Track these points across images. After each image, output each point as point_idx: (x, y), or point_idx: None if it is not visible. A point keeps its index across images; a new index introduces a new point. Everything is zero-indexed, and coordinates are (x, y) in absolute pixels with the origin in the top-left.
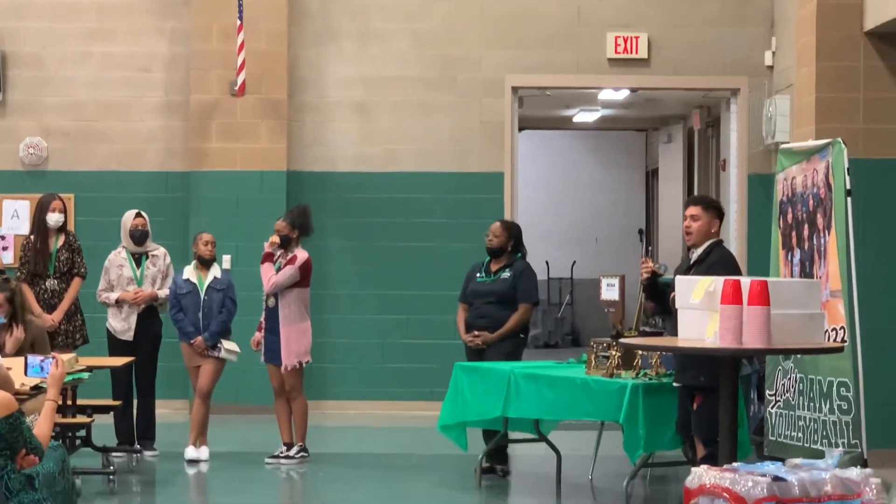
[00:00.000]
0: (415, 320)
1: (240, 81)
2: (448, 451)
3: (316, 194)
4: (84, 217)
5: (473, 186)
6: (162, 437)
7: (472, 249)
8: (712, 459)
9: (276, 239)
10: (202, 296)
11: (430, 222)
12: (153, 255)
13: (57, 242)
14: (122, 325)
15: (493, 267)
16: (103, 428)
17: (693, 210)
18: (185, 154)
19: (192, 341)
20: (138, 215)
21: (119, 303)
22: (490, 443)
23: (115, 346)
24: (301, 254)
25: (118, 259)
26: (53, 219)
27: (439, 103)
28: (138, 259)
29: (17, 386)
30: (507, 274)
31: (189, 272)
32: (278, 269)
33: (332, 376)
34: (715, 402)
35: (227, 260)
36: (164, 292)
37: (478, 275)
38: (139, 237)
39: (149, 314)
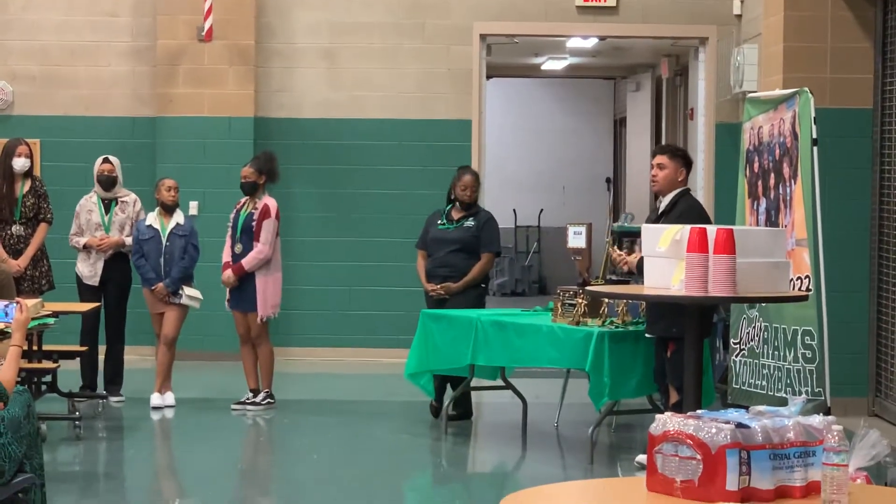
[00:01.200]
0: (381, 267)
1: (207, 27)
2: (414, 398)
3: (283, 140)
4: (50, 162)
5: (441, 134)
6: (128, 383)
7: (439, 196)
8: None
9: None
10: (164, 242)
11: (396, 169)
12: (122, 202)
13: (23, 188)
14: (90, 270)
15: (456, 215)
16: (69, 374)
17: (660, 159)
18: (152, 99)
19: (153, 287)
20: (105, 161)
21: (87, 248)
22: (455, 392)
23: (83, 290)
24: (271, 202)
25: (88, 204)
26: (19, 164)
27: (407, 50)
28: (108, 205)
29: None
30: (470, 223)
31: (152, 218)
32: (246, 218)
33: (298, 323)
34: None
35: (193, 206)
36: (130, 239)
37: (439, 222)
38: (105, 183)
39: (117, 260)
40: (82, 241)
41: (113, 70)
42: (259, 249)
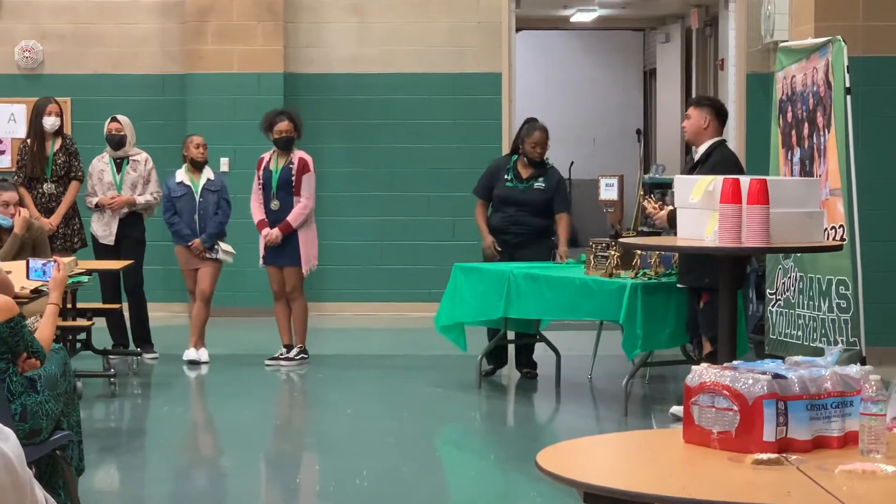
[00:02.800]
0: (412, 221)
1: None
2: (447, 351)
3: (312, 96)
4: (80, 120)
5: (471, 87)
6: (160, 340)
7: (469, 150)
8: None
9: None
10: (197, 198)
11: (427, 123)
12: (134, 160)
13: (54, 146)
14: (104, 229)
15: (524, 173)
16: (103, 332)
17: (689, 111)
18: (181, 56)
19: (189, 244)
20: (113, 119)
21: (99, 207)
22: (489, 344)
23: (99, 250)
24: (307, 156)
25: (100, 164)
26: (49, 122)
27: (436, 3)
28: (120, 164)
29: (17, 289)
30: (541, 183)
31: (182, 175)
32: (282, 173)
33: (331, 278)
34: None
35: (224, 163)
36: (143, 198)
37: (506, 178)
38: (114, 142)
39: (131, 219)
40: (95, 200)
41: (142, 27)
42: (304, 205)
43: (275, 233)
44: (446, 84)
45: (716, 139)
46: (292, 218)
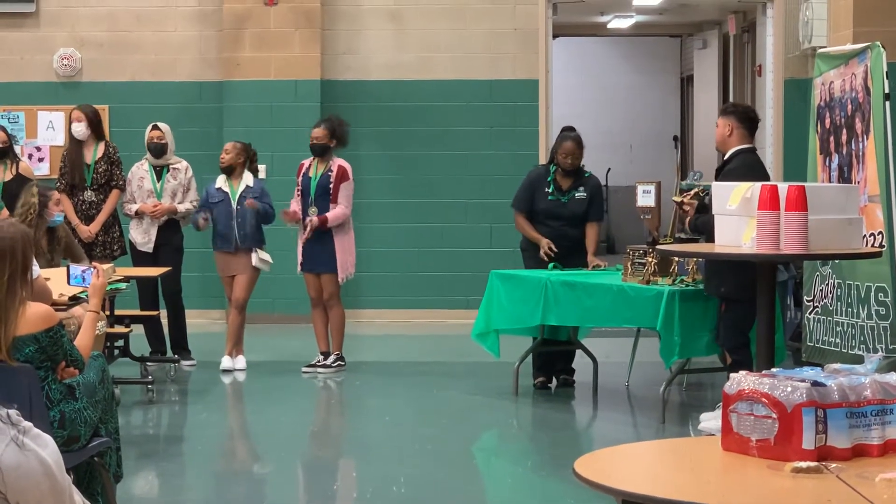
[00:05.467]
0: (449, 228)
1: None
2: (484, 358)
3: (350, 103)
4: (119, 128)
5: (508, 94)
6: (198, 347)
7: (506, 157)
8: (741, 367)
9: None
10: (234, 205)
11: (464, 130)
12: (174, 169)
13: (95, 154)
14: (143, 237)
15: (564, 184)
16: (140, 338)
17: (717, 121)
18: (219, 64)
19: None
20: (154, 128)
21: (139, 215)
22: (525, 351)
23: (137, 257)
24: (345, 164)
25: (140, 171)
26: (75, 129)
27: (473, 10)
28: (160, 172)
29: (55, 296)
30: (582, 193)
31: (221, 181)
32: (321, 180)
33: (368, 285)
34: (739, 312)
35: (262, 170)
36: (183, 206)
37: (548, 191)
38: (155, 150)
39: (169, 226)
40: (134, 207)
41: (179, 35)
42: (343, 212)
43: (315, 220)
44: (483, 91)
45: (741, 146)
46: (332, 216)
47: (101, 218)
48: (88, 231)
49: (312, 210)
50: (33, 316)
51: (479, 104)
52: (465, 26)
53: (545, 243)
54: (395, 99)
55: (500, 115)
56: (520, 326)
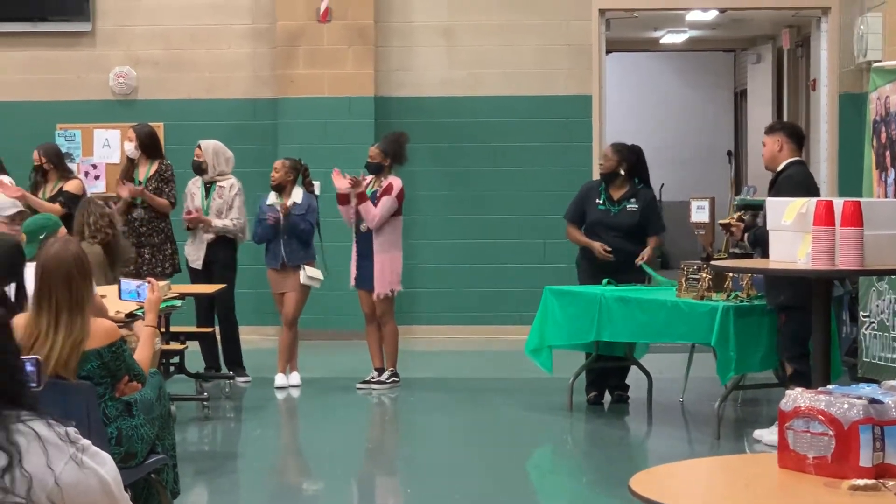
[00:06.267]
0: (502, 244)
1: (323, 7)
2: (538, 374)
3: (403, 119)
4: (173, 145)
5: (560, 110)
6: (253, 363)
7: (559, 173)
8: (801, 377)
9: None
10: (282, 220)
11: (516, 146)
12: (220, 186)
13: (148, 171)
14: (194, 253)
15: (615, 194)
16: (195, 355)
17: (763, 140)
18: (273, 81)
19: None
20: (197, 146)
21: (190, 229)
22: (580, 367)
23: (191, 274)
24: (396, 182)
25: (192, 187)
26: (126, 148)
27: (525, 26)
28: (209, 188)
29: (112, 313)
30: (633, 205)
31: (272, 198)
32: (371, 197)
33: (422, 301)
34: (798, 321)
35: (316, 186)
36: (220, 222)
37: (598, 201)
38: (195, 168)
39: (219, 243)
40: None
41: (234, 52)
42: (370, 212)
43: (358, 195)
44: (536, 106)
45: (790, 160)
46: (375, 210)
47: (149, 198)
48: (132, 190)
49: (364, 227)
50: (96, 331)
51: (531, 120)
52: (517, 42)
53: (598, 246)
54: (447, 115)
55: (553, 131)
56: (574, 342)
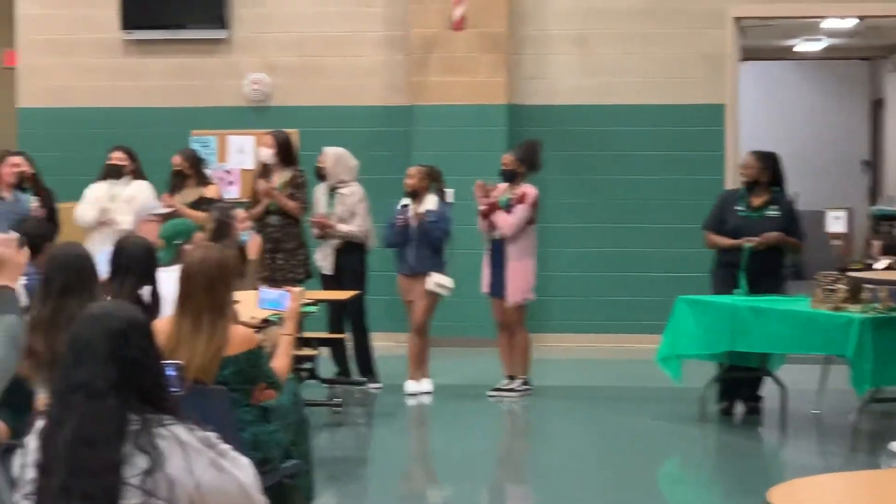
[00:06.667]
0: (635, 253)
1: (457, 15)
2: (670, 384)
3: (536, 127)
4: (307, 152)
5: (693, 119)
6: (384, 370)
7: (692, 182)
8: None
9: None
10: (412, 226)
11: (649, 154)
12: (341, 194)
13: (284, 178)
14: (324, 260)
15: (756, 201)
16: (327, 360)
17: None
18: (406, 88)
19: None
20: (321, 153)
21: (320, 237)
22: (713, 377)
23: (323, 280)
24: (530, 190)
25: (318, 193)
26: (262, 154)
27: (659, 35)
28: (332, 195)
29: (247, 318)
30: (774, 211)
31: (405, 202)
32: (505, 204)
33: (554, 309)
34: None
35: (449, 194)
36: (345, 227)
37: (738, 208)
38: (318, 174)
39: (347, 250)
40: (315, 230)
41: (368, 59)
42: (504, 220)
43: (489, 205)
44: (668, 115)
45: None
46: (509, 218)
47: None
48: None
49: (496, 233)
50: (234, 338)
51: (665, 129)
52: (650, 51)
53: (739, 242)
54: (580, 123)
55: (685, 139)
56: (707, 352)
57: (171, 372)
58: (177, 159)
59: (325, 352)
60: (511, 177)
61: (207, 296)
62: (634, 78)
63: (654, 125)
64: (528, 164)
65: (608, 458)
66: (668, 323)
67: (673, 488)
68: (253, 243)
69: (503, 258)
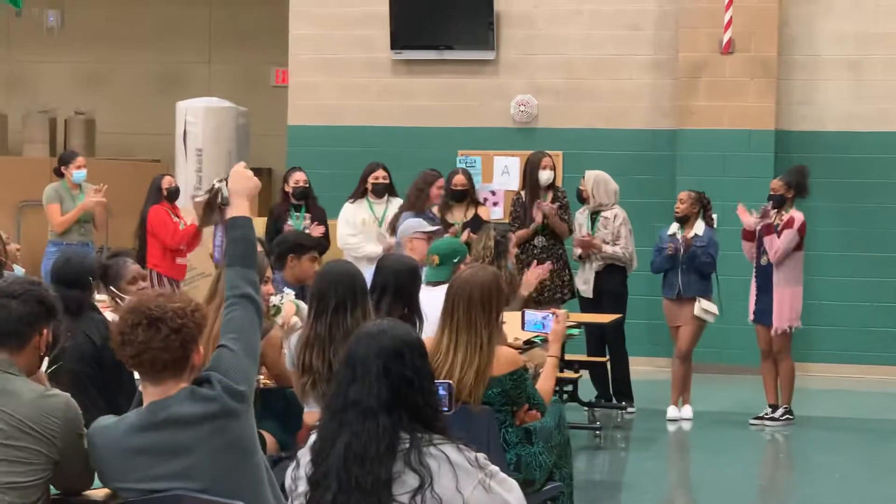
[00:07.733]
0: None
1: (726, 39)
2: None
3: (803, 154)
4: (570, 174)
5: None
6: (644, 394)
7: None
8: None
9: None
10: (681, 251)
11: None
12: (604, 217)
13: (545, 200)
14: (583, 282)
15: None
16: (586, 383)
17: None
18: (673, 112)
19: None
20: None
21: (581, 258)
22: None
23: (581, 303)
24: (797, 216)
25: (580, 217)
26: (544, 176)
27: None
28: (594, 217)
29: (510, 339)
30: None
31: (673, 228)
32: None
33: (818, 338)
34: None
35: (714, 219)
36: (610, 248)
37: None
38: (578, 197)
39: (608, 272)
40: (577, 251)
41: (634, 83)
42: (778, 250)
43: (766, 226)
44: None
45: None
46: (777, 243)
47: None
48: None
49: (763, 259)
50: (499, 358)
51: None
52: None
53: None
54: (851, 150)
55: None
56: None
57: (442, 391)
58: (461, 179)
59: (585, 374)
60: (780, 202)
61: (479, 316)
62: None
63: None
64: (796, 189)
65: (876, 491)
66: None
67: None
68: (531, 275)
69: (770, 284)
